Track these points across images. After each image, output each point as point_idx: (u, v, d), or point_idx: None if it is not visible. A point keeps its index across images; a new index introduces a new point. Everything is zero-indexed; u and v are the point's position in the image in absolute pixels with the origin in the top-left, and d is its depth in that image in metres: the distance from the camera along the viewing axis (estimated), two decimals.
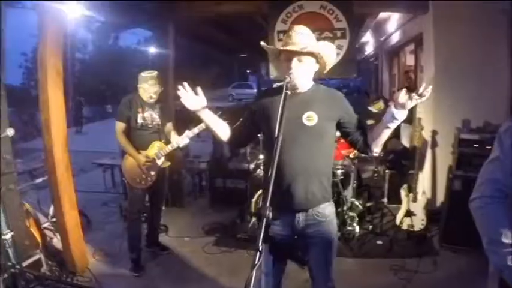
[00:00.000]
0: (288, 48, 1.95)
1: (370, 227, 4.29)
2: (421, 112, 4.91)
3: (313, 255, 2.13)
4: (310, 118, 1.99)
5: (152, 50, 24.44)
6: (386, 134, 1.98)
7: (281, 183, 2.00)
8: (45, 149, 3.54)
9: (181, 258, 4.05)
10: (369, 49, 8.86)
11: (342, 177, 4.43)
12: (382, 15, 6.27)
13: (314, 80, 2.12)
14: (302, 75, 1.98)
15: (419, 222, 3.99)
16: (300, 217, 2.06)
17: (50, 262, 3.73)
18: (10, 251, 3.08)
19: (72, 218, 3.68)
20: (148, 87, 3.65)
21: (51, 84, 3.37)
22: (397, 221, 4.09)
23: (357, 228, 4.14)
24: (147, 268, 3.83)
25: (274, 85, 2.44)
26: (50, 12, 3.31)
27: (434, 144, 4.40)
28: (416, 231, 3.99)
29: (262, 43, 2.08)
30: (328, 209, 2.11)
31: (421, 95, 1.79)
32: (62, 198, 3.56)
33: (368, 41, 8.44)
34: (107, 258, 4.08)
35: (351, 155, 4.52)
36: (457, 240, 3.72)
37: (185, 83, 2.02)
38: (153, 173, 3.69)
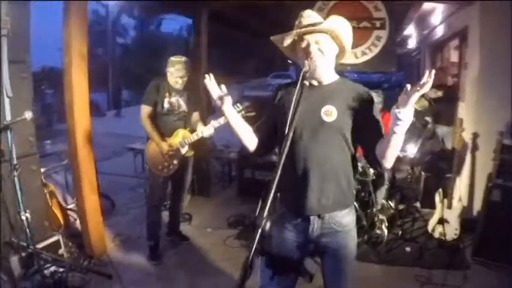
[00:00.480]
0: (298, 31, 1.78)
1: (400, 232, 4.01)
2: (462, 113, 4.58)
3: (327, 268, 1.96)
4: (329, 113, 1.78)
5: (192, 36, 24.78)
6: (395, 143, 1.62)
7: (294, 184, 1.83)
8: (68, 132, 3.54)
9: (200, 249, 3.96)
10: (412, 43, 8.41)
11: (374, 177, 4.19)
12: (426, 7, 5.86)
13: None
14: (322, 60, 1.78)
15: (452, 231, 3.70)
16: (315, 224, 1.86)
17: (70, 244, 3.77)
18: (27, 232, 3.06)
19: (91, 202, 3.67)
20: (174, 72, 3.56)
21: (75, 68, 3.36)
22: (429, 228, 3.82)
23: (386, 233, 3.89)
24: (164, 257, 3.78)
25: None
26: None
27: (474, 148, 4.05)
28: (448, 240, 3.71)
29: (272, 37, 1.90)
30: (346, 218, 1.90)
31: (422, 85, 1.47)
32: (82, 182, 3.56)
33: (411, 34, 8.01)
34: (127, 243, 4.08)
35: None
36: (490, 255, 3.40)
37: (210, 74, 1.83)
38: (175, 161, 3.60)
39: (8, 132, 2.86)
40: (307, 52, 1.76)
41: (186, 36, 24.14)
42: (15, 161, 2.91)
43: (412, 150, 4.10)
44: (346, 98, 1.82)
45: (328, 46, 1.79)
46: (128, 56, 24.68)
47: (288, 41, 1.84)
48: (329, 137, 1.80)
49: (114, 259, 3.69)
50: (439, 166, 4.51)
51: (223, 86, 1.83)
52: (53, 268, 3.17)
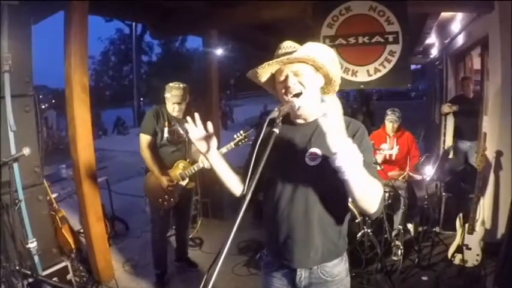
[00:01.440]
0: (269, 63, 1.55)
1: (417, 259, 3.75)
2: (486, 127, 4.28)
3: None
4: (313, 156, 1.59)
5: (219, 52, 25.18)
6: (354, 188, 1.35)
7: (278, 235, 1.68)
8: (72, 163, 3.60)
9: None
10: (434, 52, 8.09)
11: (389, 201, 3.98)
12: (445, 15, 5.58)
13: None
14: (304, 95, 1.55)
15: (473, 257, 3.42)
16: (303, 274, 1.71)
17: (81, 268, 3.82)
18: (35, 259, 3.23)
19: (97, 230, 3.69)
20: (170, 98, 3.44)
21: (76, 101, 3.39)
22: (449, 255, 3.54)
23: (401, 260, 3.67)
24: (171, 284, 3.71)
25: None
26: (73, 28, 3.31)
27: (498, 167, 3.75)
28: (469, 267, 3.43)
29: (247, 74, 1.68)
30: (338, 268, 1.72)
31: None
32: (88, 211, 3.60)
33: (434, 43, 7.70)
34: (136, 269, 4.07)
35: (400, 178, 4.02)
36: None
37: (196, 114, 1.61)
38: (176, 194, 3.50)
39: (12, 166, 2.95)
40: (285, 87, 1.56)
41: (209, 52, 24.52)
42: (20, 195, 3.05)
43: (430, 172, 3.85)
44: None
45: (311, 78, 1.58)
46: (153, 73, 25.26)
47: (264, 75, 1.66)
48: (315, 183, 1.60)
49: (122, 285, 3.68)
50: (461, 186, 4.22)
51: (209, 125, 1.59)
52: None
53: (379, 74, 4.16)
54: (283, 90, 1.58)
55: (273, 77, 1.66)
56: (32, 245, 3.21)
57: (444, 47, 7.11)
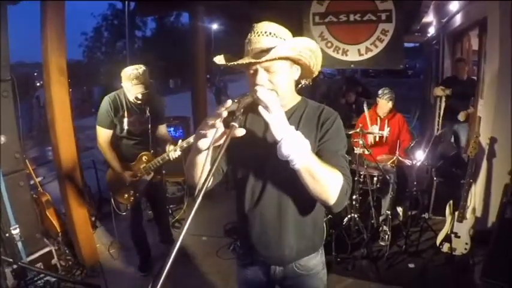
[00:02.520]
0: (239, 62, 1.39)
1: (404, 246, 3.70)
2: (481, 110, 4.16)
3: None
4: None
5: (214, 26, 24.64)
6: (304, 175, 1.27)
7: (252, 232, 1.61)
8: (52, 147, 3.51)
9: (191, 260, 3.83)
10: (432, 31, 7.87)
11: (378, 185, 3.90)
12: None
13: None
14: (277, 91, 1.40)
15: (462, 245, 3.36)
16: (277, 268, 1.67)
17: (67, 251, 3.78)
18: (19, 245, 3.25)
19: (80, 216, 3.65)
20: (131, 88, 3.01)
21: (54, 84, 3.26)
22: (437, 242, 3.49)
23: (388, 245, 3.63)
24: (155, 267, 3.68)
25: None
26: (50, 10, 3.14)
27: (491, 154, 3.64)
28: (457, 255, 3.38)
29: (214, 58, 1.49)
30: (313, 261, 1.68)
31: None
32: (69, 196, 3.53)
33: (431, 22, 7.47)
34: (121, 252, 4.05)
35: (389, 164, 3.93)
36: (500, 276, 3.02)
37: (229, 101, 1.26)
38: (142, 188, 3.30)
39: None
40: (252, 81, 1.41)
41: (208, 26, 24.02)
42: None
43: (420, 157, 3.75)
44: (306, 125, 1.50)
45: (284, 75, 1.43)
46: (147, 48, 24.81)
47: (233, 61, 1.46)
48: (288, 178, 1.44)
49: (107, 268, 3.64)
50: (453, 171, 4.13)
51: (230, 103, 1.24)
52: (46, 278, 3.18)
53: (370, 54, 4.03)
54: (251, 82, 1.43)
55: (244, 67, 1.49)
56: (15, 231, 3.20)
57: (442, 26, 6.90)
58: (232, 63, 1.40)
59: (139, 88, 3.01)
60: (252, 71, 1.41)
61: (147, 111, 3.17)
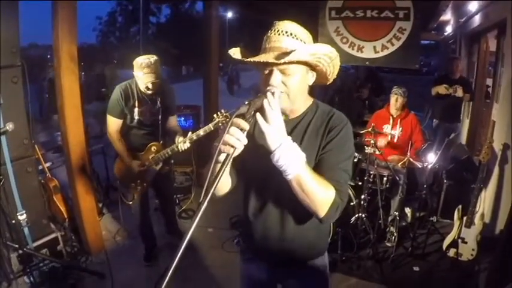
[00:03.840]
0: (255, 59, 1.33)
1: (410, 248, 3.67)
2: (495, 114, 4.07)
3: None
4: None
5: (229, 15, 24.41)
6: (295, 187, 1.29)
7: (255, 236, 1.60)
8: (61, 133, 3.50)
9: (197, 252, 3.82)
10: (449, 29, 7.72)
11: (387, 185, 3.86)
12: None
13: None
14: (289, 94, 1.37)
15: (468, 251, 3.33)
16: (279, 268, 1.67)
17: (73, 237, 3.80)
18: (25, 230, 3.26)
19: (86, 203, 3.65)
20: (143, 77, 3.03)
21: (64, 71, 3.23)
22: (444, 246, 3.46)
23: (394, 247, 3.60)
24: (159, 258, 3.70)
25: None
26: None
27: (503, 161, 3.58)
28: (463, 261, 3.35)
29: (230, 51, 1.46)
30: (316, 263, 1.67)
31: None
32: (76, 182, 3.53)
33: (449, 20, 7.33)
34: (127, 240, 4.07)
35: (399, 165, 3.88)
36: (506, 285, 2.96)
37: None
38: (149, 179, 3.30)
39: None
40: (265, 81, 1.36)
41: (223, 14, 23.84)
42: (8, 168, 3.04)
43: (432, 159, 3.70)
44: (314, 135, 1.46)
45: (299, 80, 1.38)
46: (161, 34, 24.71)
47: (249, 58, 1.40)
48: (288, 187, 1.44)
49: (112, 256, 3.63)
50: (463, 175, 4.06)
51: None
52: (52, 264, 3.27)
53: (386, 52, 3.97)
54: (264, 82, 1.38)
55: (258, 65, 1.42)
56: (22, 217, 3.21)
57: (459, 25, 6.76)
58: (248, 59, 1.35)
59: (150, 77, 3.03)
60: (267, 71, 1.36)
61: (158, 102, 3.20)
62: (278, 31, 1.36)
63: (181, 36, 21.04)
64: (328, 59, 1.39)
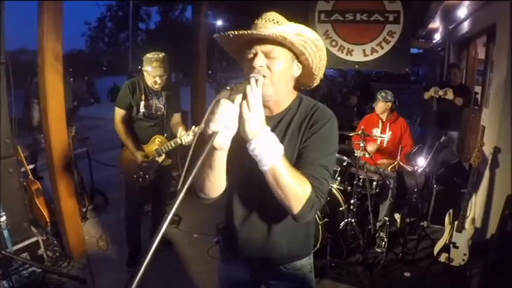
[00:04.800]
0: (241, 32, 1.26)
1: (401, 254, 3.60)
2: (485, 119, 4.07)
3: None
4: None
5: (219, 23, 24.48)
6: (270, 180, 1.22)
7: (237, 236, 1.52)
8: (43, 134, 3.43)
9: (181, 258, 3.73)
10: (437, 37, 7.79)
11: (377, 189, 3.81)
12: None
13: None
14: (270, 81, 1.29)
15: (460, 256, 3.29)
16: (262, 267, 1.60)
17: (55, 241, 3.70)
18: (4, 233, 3.17)
19: (69, 205, 3.54)
20: (151, 71, 3.19)
21: (49, 69, 3.17)
22: (435, 251, 3.41)
23: (384, 252, 3.53)
24: None
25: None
26: None
27: (494, 165, 3.56)
28: (454, 266, 3.30)
29: (215, 36, 1.37)
30: (301, 262, 1.59)
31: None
32: (58, 185, 3.43)
33: (437, 28, 7.40)
34: (111, 245, 3.94)
35: (389, 169, 3.83)
36: None
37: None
38: (151, 171, 3.33)
39: None
40: (249, 66, 1.30)
41: (211, 23, 23.88)
42: None
43: (421, 163, 3.66)
44: (298, 129, 1.39)
45: (283, 64, 1.31)
46: (150, 41, 24.68)
47: (234, 45, 1.38)
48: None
49: (94, 261, 3.51)
50: (454, 180, 4.03)
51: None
52: (32, 268, 3.18)
53: (375, 55, 3.96)
54: (248, 68, 1.31)
55: (243, 49, 1.37)
56: (1, 219, 3.13)
57: (448, 32, 6.83)
58: (232, 32, 1.27)
59: (159, 70, 3.17)
60: (251, 55, 1.30)
61: (163, 97, 3.33)
62: (265, 19, 1.32)
63: (170, 43, 20.98)
64: (314, 47, 1.33)
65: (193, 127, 3.15)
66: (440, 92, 4.89)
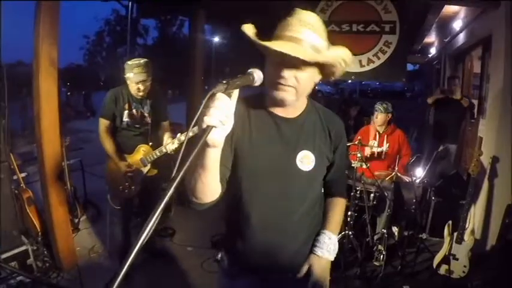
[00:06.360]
0: (283, 51, 1.16)
1: (399, 267, 3.51)
2: (483, 130, 4.05)
3: None
4: (306, 160, 1.38)
5: (216, 39, 24.64)
6: None
7: (256, 246, 1.44)
8: (35, 140, 3.34)
9: (175, 271, 3.63)
10: (433, 51, 7.86)
11: (374, 202, 3.74)
12: (447, 12, 5.33)
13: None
14: (298, 90, 1.29)
15: (460, 268, 3.21)
16: (272, 278, 1.52)
17: (45, 252, 3.57)
18: None
19: (59, 214, 3.45)
20: (133, 77, 3.07)
21: (43, 74, 3.12)
22: (434, 264, 3.33)
23: (383, 265, 3.45)
24: (135, 275, 3.45)
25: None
26: None
27: (493, 174, 3.52)
28: (454, 278, 3.22)
29: (243, 26, 1.29)
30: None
31: None
32: (50, 193, 3.35)
33: (433, 42, 7.47)
34: (102, 256, 3.84)
35: (387, 180, 3.78)
36: None
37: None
38: (138, 181, 3.24)
39: None
40: (277, 73, 1.25)
41: (208, 39, 24.08)
42: None
43: (420, 174, 3.62)
44: (322, 134, 1.44)
45: (309, 73, 1.29)
46: (148, 56, 24.82)
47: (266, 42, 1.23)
48: (303, 190, 1.42)
49: (85, 273, 3.42)
50: (452, 191, 3.98)
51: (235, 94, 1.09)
52: (20, 278, 3.08)
53: (372, 65, 3.95)
54: (273, 71, 1.26)
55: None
56: None
57: (444, 46, 6.88)
58: (266, 44, 1.20)
59: (141, 76, 3.06)
60: (278, 59, 1.23)
61: (148, 105, 3.25)
62: (300, 21, 1.25)
63: (168, 59, 21.10)
64: (343, 64, 1.32)
65: (179, 135, 3.04)
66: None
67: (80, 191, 4.88)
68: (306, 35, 1.23)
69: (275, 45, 1.19)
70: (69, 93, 14.60)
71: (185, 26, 27.39)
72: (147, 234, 0.82)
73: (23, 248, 3.32)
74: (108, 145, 3.16)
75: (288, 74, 1.25)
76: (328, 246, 1.46)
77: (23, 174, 4.17)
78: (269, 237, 1.42)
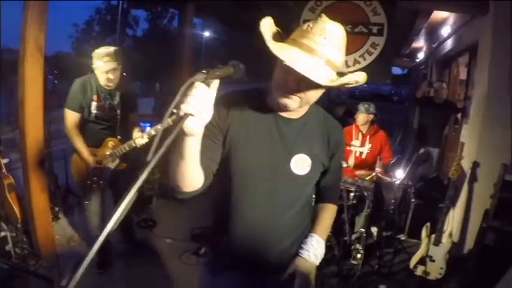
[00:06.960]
0: (298, 70, 1.13)
1: (377, 266, 3.57)
2: (465, 135, 4.12)
3: None
4: (301, 164, 1.37)
5: (206, 34, 24.52)
6: None
7: (244, 242, 1.44)
8: (18, 126, 3.28)
9: (152, 262, 3.62)
10: (421, 56, 7.95)
11: (354, 201, 3.78)
12: (435, 18, 5.40)
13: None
14: (304, 99, 1.27)
15: (437, 270, 3.26)
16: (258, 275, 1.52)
17: (24, 239, 3.54)
18: None
19: (40, 201, 3.42)
20: (102, 66, 2.91)
21: (29, 59, 3.06)
22: (411, 264, 3.38)
23: (360, 264, 3.49)
24: (114, 266, 3.45)
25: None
26: None
27: (472, 179, 3.58)
28: (431, 279, 3.27)
29: (263, 20, 1.25)
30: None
31: None
32: (30, 180, 3.31)
33: (421, 47, 7.55)
34: (82, 245, 3.81)
35: (367, 179, 3.81)
36: None
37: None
38: (106, 176, 3.14)
39: None
40: (286, 80, 1.22)
41: (198, 33, 23.88)
42: None
43: (400, 175, 3.66)
44: (321, 137, 1.43)
45: (318, 90, 1.28)
46: (136, 47, 24.57)
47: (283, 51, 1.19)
48: (294, 192, 1.42)
49: (64, 261, 3.37)
50: (432, 194, 4.05)
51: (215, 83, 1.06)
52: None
53: (357, 66, 3.99)
54: (282, 77, 1.24)
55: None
56: None
57: (431, 51, 6.96)
58: (281, 56, 1.16)
59: (111, 65, 2.92)
60: (287, 70, 1.17)
61: (118, 96, 3.10)
62: (325, 31, 1.20)
63: (157, 51, 20.93)
64: (355, 83, 1.31)
65: (149, 129, 2.95)
66: (435, 85, 4.93)
67: (62, 180, 4.83)
68: (325, 49, 1.20)
69: (289, 56, 1.16)
70: (56, 82, 14.37)
71: (176, 19, 27.20)
72: (118, 218, 0.80)
73: (2, 234, 3.31)
74: (78, 140, 3.02)
75: (296, 85, 1.22)
76: (315, 250, 1.44)
77: (5, 160, 4.11)
78: (255, 236, 1.42)
